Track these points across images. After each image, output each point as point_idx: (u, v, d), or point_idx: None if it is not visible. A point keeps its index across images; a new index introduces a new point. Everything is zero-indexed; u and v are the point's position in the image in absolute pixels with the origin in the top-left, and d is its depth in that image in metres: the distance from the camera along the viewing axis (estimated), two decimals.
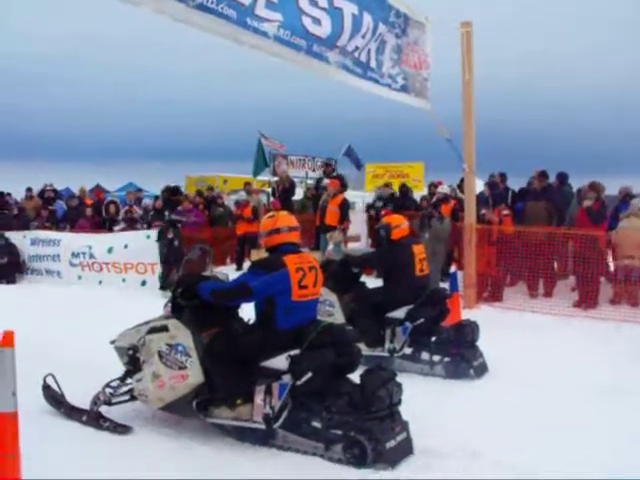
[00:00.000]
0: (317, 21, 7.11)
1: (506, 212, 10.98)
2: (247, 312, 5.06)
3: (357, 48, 7.92)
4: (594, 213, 10.12)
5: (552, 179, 11.43)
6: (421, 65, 9.33)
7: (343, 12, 7.45)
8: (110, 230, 13.74)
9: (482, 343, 6.78)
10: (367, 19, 7.91)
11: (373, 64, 8.37)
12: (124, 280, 12.62)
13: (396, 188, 15.39)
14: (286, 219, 4.97)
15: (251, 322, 5.00)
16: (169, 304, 5.10)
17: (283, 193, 15.31)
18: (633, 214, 9.82)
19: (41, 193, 16.56)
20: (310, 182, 20.55)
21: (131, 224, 13.93)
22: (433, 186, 13.77)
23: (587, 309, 9.62)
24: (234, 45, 6.16)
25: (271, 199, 15.54)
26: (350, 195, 15.16)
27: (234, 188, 23.72)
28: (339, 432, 4.33)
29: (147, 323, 5.13)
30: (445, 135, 9.92)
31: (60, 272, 13.38)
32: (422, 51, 9.36)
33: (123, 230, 13.57)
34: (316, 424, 4.42)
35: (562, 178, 11.88)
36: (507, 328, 8.53)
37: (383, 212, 11.53)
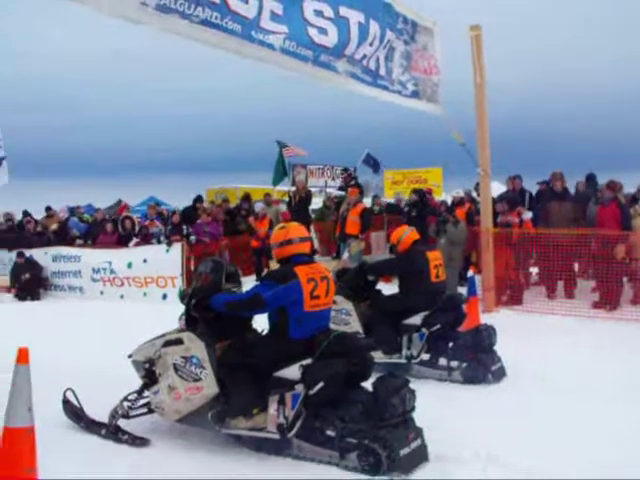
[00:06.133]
0: (323, 31, 7.17)
1: (529, 215, 10.85)
2: (260, 323, 5.09)
3: (365, 56, 7.96)
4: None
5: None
6: (431, 70, 9.34)
7: (349, 21, 7.51)
8: (126, 245, 13.83)
9: (501, 347, 6.71)
10: (374, 27, 7.95)
11: (382, 71, 8.40)
12: (145, 294, 12.79)
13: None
14: (297, 230, 4.97)
15: (264, 333, 5.03)
16: (183, 317, 5.15)
17: (299, 203, 15.34)
18: None
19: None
20: (330, 191, 20.61)
21: (145, 239, 13.92)
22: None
23: (610, 310, 9.49)
24: (238, 58, 6.23)
25: (285, 209, 15.57)
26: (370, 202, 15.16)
27: (253, 199, 23.83)
28: (353, 440, 4.32)
29: (162, 336, 5.18)
30: (459, 140, 9.90)
31: (82, 288, 13.60)
32: (431, 56, 9.38)
33: (137, 245, 13.66)
34: (330, 433, 4.41)
35: (590, 179, 11.86)
36: (527, 331, 8.47)
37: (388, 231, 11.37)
